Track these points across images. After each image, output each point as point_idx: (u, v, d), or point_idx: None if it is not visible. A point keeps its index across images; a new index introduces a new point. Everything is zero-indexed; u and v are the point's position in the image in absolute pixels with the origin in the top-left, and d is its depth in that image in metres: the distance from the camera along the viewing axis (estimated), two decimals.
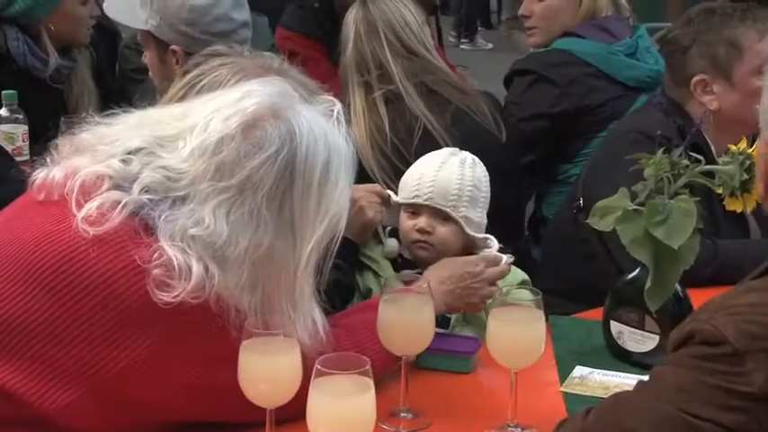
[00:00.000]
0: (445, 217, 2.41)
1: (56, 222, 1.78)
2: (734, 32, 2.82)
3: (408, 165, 2.53)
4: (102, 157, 1.83)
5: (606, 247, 2.76)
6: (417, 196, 2.42)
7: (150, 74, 3.07)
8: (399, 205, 2.47)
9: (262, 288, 1.79)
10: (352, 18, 3.00)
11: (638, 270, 2.25)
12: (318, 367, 1.64)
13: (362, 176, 2.83)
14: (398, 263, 2.48)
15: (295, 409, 1.73)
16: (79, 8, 3.61)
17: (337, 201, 1.86)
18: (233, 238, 1.76)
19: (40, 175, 1.85)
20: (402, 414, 2.00)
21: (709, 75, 2.84)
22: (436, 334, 2.04)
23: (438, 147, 2.65)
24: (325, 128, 1.87)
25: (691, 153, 2.25)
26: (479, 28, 12.00)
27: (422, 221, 2.41)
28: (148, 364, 1.75)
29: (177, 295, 1.72)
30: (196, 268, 1.73)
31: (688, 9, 3.00)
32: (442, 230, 2.41)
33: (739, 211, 2.37)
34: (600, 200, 2.23)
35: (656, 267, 2.14)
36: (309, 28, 4.31)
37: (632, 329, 2.26)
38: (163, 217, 1.76)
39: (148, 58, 3.04)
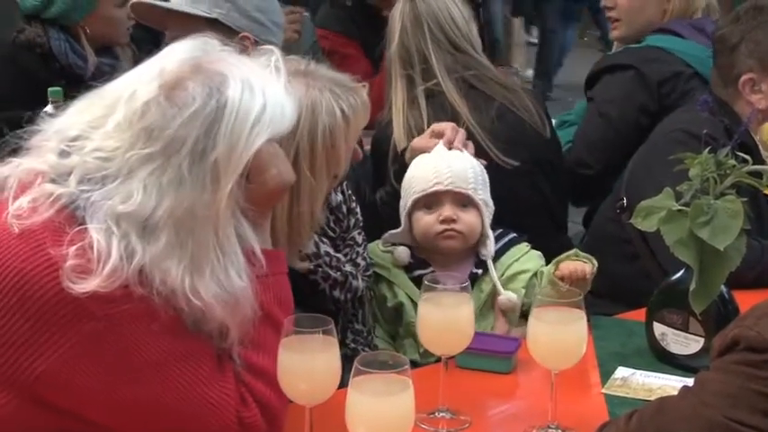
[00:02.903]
0: (464, 203, 2.47)
1: None
2: None
3: None
4: (43, 152, 1.76)
5: (650, 247, 2.73)
6: (438, 183, 2.46)
7: None
8: (411, 207, 2.47)
9: (189, 245, 1.69)
10: (398, 12, 3.00)
11: (682, 271, 2.22)
12: (358, 367, 1.63)
13: None
14: (409, 267, 2.51)
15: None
16: (115, 11, 3.63)
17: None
18: (159, 204, 1.68)
19: None
20: (441, 414, 1.99)
21: (758, 73, 2.79)
22: (476, 333, 2.03)
23: (477, 143, 2.66)
24: (263, 78, 1.79)
25: (738, 153, 2.22)
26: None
27: (446, 210, 2.46)
28: (66, 370, 1.65)
29: (93, 281, 1.62)
30: (116, 249, 1.65)
31: (736, 6, 2.95)
32: (466, 216, 2.47)
33: None
34: (643, 200, 2.20)
35: (700, 269, 2.11)
36: (345, 26, 4.31)
37: (676, 331, 2.23)
38: (92, 200, 1.68)
39: None
